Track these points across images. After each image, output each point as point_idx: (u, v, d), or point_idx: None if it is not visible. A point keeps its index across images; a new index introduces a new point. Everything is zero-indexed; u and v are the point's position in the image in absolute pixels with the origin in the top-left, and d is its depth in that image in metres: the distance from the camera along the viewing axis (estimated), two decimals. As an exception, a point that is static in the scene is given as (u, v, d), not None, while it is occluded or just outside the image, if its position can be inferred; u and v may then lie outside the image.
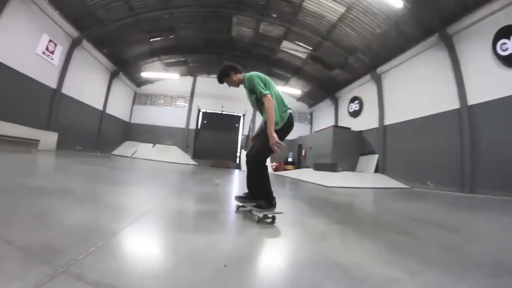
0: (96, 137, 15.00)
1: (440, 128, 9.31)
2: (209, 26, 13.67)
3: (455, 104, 8.76)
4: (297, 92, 18.11)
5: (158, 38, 14.50)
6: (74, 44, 12.13)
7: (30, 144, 8.40)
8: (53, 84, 11.40)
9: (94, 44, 13.38)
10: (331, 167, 11.39)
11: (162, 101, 19.41)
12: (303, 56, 14.76)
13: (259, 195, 2.73)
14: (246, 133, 19.29)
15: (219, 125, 19.68)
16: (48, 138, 10.69)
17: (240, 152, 18.56)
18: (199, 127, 19.67)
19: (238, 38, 14.72)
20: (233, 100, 17.83)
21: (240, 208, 3.04)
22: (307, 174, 11.38)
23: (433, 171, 9.29)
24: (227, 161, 16.92)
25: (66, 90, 11.94)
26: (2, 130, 8.03)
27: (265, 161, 2.79)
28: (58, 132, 11.30)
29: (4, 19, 8.66)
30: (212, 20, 13.19)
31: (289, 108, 2.80)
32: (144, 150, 16.51)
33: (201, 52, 16.25)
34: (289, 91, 18.26)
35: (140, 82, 19.44)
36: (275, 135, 2.50)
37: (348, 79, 14.92)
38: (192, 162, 16.37)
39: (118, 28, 12.75)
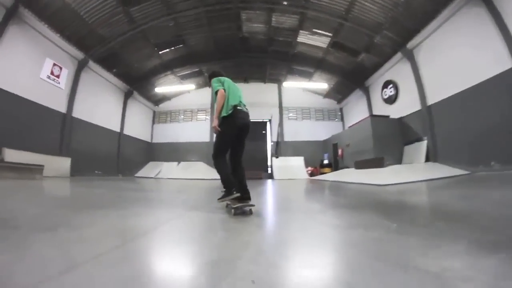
0: (115, 160, 14.37)
1: (494, 96, 7.53)
2: (217, 28, 12.66)
3: (507, 64, 7.07)
4: (323, 86, 16.31)
5: (167, 50, 13.72)
6: (81, 66, 11.85)
7: (34, 170, 7.60)
8: (62, 108, 10.98)
9: (102, 64, 12.97)
10: (377, 163, 9.54)
11: (182, 116, 18.41)
12: (324, 45, 13.20)
13: (225, 187, 2.85)
14: (274, 139, 17.62)
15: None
16: (60, 164, 10.05)
17: (271, 161, 16.34)
18: None
19: (251, 36, 13.55)
20: (256, 106, 16.09)
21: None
22: (348, 175, 9.79)
23: (495, 148, 7.43)
24: (257, 171, 15.17)
25: (77, 113, 11.57)
26: (7, 157, 7.76)
27: (221, 153, 2.92)
28: (72, 157, 10.64)
29: (3, 46, 8.48)
30: (219, 20, 12.17)
31: (238, 105, 2.92)
32: (168, 169, 15.37)
33: (215, 59, 15.11)
34: (315, 87, 16.84)
35: (157, 100, 18.76)
36: (216, 121, 2.91)
37: (377, 63, 13.08)
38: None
39: (123, 44, 12.27)
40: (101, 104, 13.29)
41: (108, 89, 13.99)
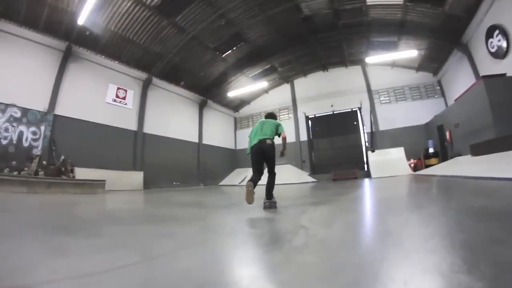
0: (195, 170, 14.53)
1: None
2: (273, 14, 11.36)
3: None
4: (413, 54, 13.01)
5: (229, 51, 13.08)
6: (146, 85, 12.42)
7: (95, 185, 7.87)
8: (132, 127, 11.73)
9: (167, 79, 13.28)
10: (504, 143, 6.81)
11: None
12: (400, 1, 10.87)
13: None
14: (368, 130, 14.78)
15: (334, 128, 15.89)
16: (132, 178, 10.71)
17: (367, 155, 13.99)
18: (311, 136, 16.37)
19: (313, 13, 11.80)
20: (342, 95, 15.11)
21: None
22: (464, 165, 7.75)
23: None
24: (351, 170, 13.50)
25: (149, 129, 12.22)
26: (78, 175, 8.52)
27: (253, 171, 4.45)
28: (146, 171, 11.29)
29: (68, 81, 9.69)
30: (273, 4, 10.81)
31: (254, 142, 4.44)
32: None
33: (282, 50, 13.69)
34: (403, 57, 13.33)
35: (236, 106, 18.36)
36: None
37: (471, 5, 9.87)
38: (310, 179, 13.53)
39: (181, 55, 12.13)
40: (174, 117, 13.75)
41: (179, 102, 14.38)
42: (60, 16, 8.99)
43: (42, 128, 8.90)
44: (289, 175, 13.39)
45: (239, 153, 18.04)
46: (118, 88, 11.57)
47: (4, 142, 8.16)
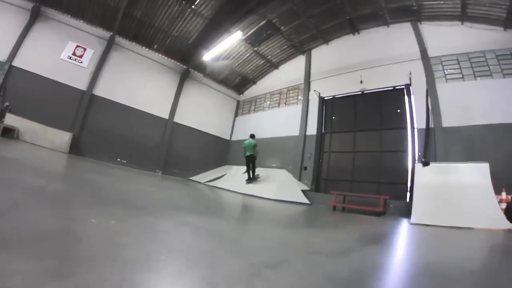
0: (156, 151, 12.40)
1: None
2: None
3: None
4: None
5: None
6: (109, 45, 11.53)
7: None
8: (82, 86, 11.00)
9: (137, 41, 11.86)
10: None
11: (268, 102, 13.85)
12: None
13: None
14: (421, 124, 8.49)
15: (361, 117, 10.17)
16: (56, 137, 10.07)
17: (413, 172, 7.50)
18: (323, 128, 10.99)
19: None
20: (378, 63, 9.80)
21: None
22: None
23: None
24: (376, 196, 7.58)
25: (101, 92, 11.28)
26: (6, 121, 9.14)
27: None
28: (82, 135, 10.65)
29: (31, 37, 10.53)
30: None
31: (248, 153, 10.13)
32: (233, 175, 11.68)
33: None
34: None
35: (237, 86, 15.00)
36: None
37: None
38: (303, 198, 8.60)
39: (141, 8, 10.50)
40: (142, 85, 12.27)
41: (152, 69, 12.66)
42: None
43: None
44: (276, 185, 9.40)
45: (235, 146, 14.27)
46: (77, 46, 11.16)
47: None
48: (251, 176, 10.12)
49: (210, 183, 10.97)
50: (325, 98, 11.12)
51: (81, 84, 10.95)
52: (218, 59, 12.51)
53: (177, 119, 13.15)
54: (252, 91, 15.04)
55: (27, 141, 9.43)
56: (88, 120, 10.93)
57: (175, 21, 11.00)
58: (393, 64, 9.44)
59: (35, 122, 9.75)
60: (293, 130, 11.58)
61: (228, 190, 9.37)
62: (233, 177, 11.19)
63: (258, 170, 10.77)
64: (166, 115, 12.90)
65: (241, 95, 15.57)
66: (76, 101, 10.86)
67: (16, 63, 10.17)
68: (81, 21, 11.14)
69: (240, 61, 12.98)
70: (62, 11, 10.86)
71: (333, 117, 10.88)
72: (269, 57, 12.75)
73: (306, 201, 8.35)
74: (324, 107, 11.10)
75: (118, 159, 11.24)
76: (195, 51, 12.21)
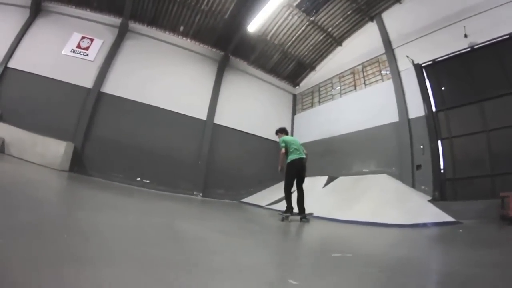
0: (193, 167, 9.48)
1: None
2: None
3: None
4: None
5: None
6: (122, 33, 9.76)
7: None
8: (87, 83, 9.08)
9: (156, 25, 9.97)
10: None
11: (338, 87, 10.76)
12: None
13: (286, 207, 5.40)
14: None
15: (481, 80, 7.04)
16: (48, 148, 7.73)
17: None
18: (433, 106, 7.74)
19: None
20: (488, 8, 6.97)
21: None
22: None
23: None
24: None
25: (112, 89, 9.28)
26: None
27: (288, 185, 5.43)
28: (86, 145, 8.44)
29: (30, 36, 9.55)
30: None
31: (296, 155, 5.46)
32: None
33: None
34: None
35: (291, 75, 12.10)
36: (279, 166, 5.68)
37: None
38: (440, 215, 5.25)
39: None
40: (168, 79, 9.99)
41: (180, 58, 10.40)
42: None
43: None
44: (380, 200, 6.15)
45: None
46: (83, 38, 9.56)
47: None
48: (293, 207, 5.36)
49: (273, 207, 7.75)
50: (423, 65, 7.97)
51: (86, 80, 9.05)
52: (265, 38, 10.05)
53: (218, 119, 10.34)
54: (311, 80, 12.12)
55: (14, 155, 7.43)
56: (95, 126, 8.68)
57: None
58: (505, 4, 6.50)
59: (24, 131, 7.77)
60: (387, 115, 8.22)
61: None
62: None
63: (342, 181, 7.65)
64: (203, 115, 10.08)
65: (296, 87, 12.68)
66: (79, 102, 8.84)
67: (12, 64, 9.11)
68: (88, 9, 9.83)
69: (294, 38, 10.28)
70: (65, 3, 9.77)
71: (442, 88, 7.65)
72: (329, 29, 9.98)
73: (448, 218, 4.98)
74: (425, 76, 7.90)
75: (138, 179, 8.51)
76: (234, 30, 9.71)
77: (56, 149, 7.75)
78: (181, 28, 9.89)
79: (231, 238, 2.74)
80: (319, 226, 4.92)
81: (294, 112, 12.34)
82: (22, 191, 3.06)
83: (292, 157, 5.41)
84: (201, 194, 9.08)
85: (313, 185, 8.14)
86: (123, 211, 3.56)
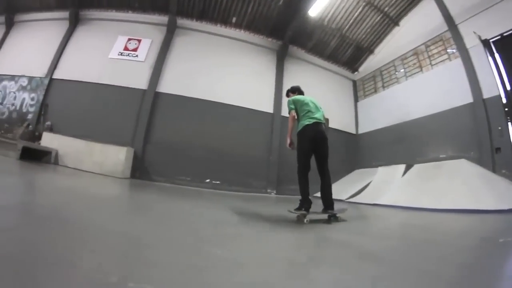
0: (263, 163, 8.89)
1: None
2: None
3: None
4: None
5: None
6: (171, 29, 9.47)
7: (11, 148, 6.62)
8: (141, 85, 8.75)
9: (206, 19, 9.64)
10: None
11: (402, 70, 10.12)
12: None
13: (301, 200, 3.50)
14: None
15: None
16: (107, 155, 7.30)
17: None
18: (509, 85, 7.24)
19: None
20: None
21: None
22: None
23: None
24: None
25: (168, 87, 8.83)
26: (43, 142, 7.46)
27: (302, 167, 3.53)
28: (146, 149, 7.99)
29: (72, 45, 9.90)
30: None
31: (311, 119, 3.62)
32: (383, 181, 7.95)
33: None
34: None
35: (349, 61, 11.67)
36: (288, 139, 3.76)
37: None
38: None
39: None
40: (223, 72, 9.52)
41: (236, 50, 10.02)
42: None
43: (39, 93, 9.33)
44: (469, 186, 5.60)
45: (365, 140, 10.67)
46: (129, 40, 9.46)
47: (11, 108, 9.58)
48: (310, 199, 3.55)
49: (353, 200, 7.16)
50: (492, 40, 7.41)
51: (140, 82, 8.69)
52: (322, 23, 9.65)
53: (285, 112, 9.65)
54: (370, 64, 11.56)
55: (69, 165, 7.12)
56: (154, 128, 8.28)
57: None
58: None
59: (78, 139, 7.46)
60: (459, 97, 7.54)
61: (394, 207, 5.71)
62: (387, 184, 7.28)
63: (421, 169, 7.00)
64: (269, 108, 9.47)
65: (356, 72, 12.07)
66: (135, 104, 8.45)
67: (57, 74, 9.30)
68: (129, 11, 9.87)
69: (351, 22, 9.83)
70: (104, 8, 9.99)
71: (515, 64, 7.00)
72: (386, 9, 9.52)
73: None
74: (496, 52, 7.34)
75: (208, 180, 7.94)
76: (290, 17, 9.28)
77: (115, 156, 7.37)
78: (233, 20, 9.43)
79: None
80: (423, 217, 4.26)
81: (356, 99, 11.69)
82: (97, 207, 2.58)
83: (304, 122, 3.67)
84: (275, 192, 8.38)
85: (391, 174, 7.74)
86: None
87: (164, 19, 9.43)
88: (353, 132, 10.89)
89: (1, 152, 6.51)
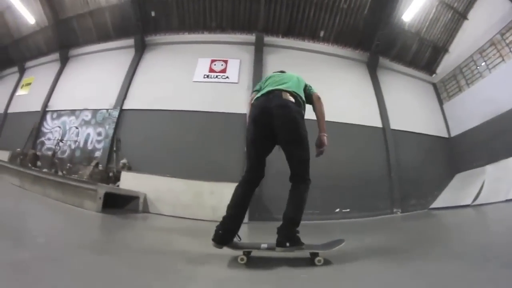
0: (383, 180, 8.38)
1: None
2: None
3: None
4: None
5: None
6: (259, 48, 9.15)
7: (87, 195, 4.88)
8: (238, 108, 8.02)
9: (293, 35, 9.45)
10: None
11: (482, 63, 10.08)
12: None
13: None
14: None
15: None
16: (220, 196, 5.73)
17: None
18: None
19: None
20: None
21: None
22: None
23: None
24: None
25: None
26: (122, 184, 6.50)
27: (246, 169, 2.39)
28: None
29: (140, 73, 9.66)
30: None
31: (259, 97, 2.45)
32: (500, 178, 7.47)
33: None
34: None
35: (427, 64, 11.62)
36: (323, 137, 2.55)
37: None
38: None
39: None
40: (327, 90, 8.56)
41: (325, 65, 9.61)
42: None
43: (107, 127, 8.69)
44: None
45: (459, 143, 10.36)
46: (213, 61, 9.06)
47: (73, 146, 9.01)
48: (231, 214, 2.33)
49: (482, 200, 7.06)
50: None
51: (236, 106, 8.11)
52: (403, 28, 9.74)
53: (393, 124, 9.51)
54: (447, 64, 11.47)
55: (164, 213, 5.97)
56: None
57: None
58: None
59: (174, 178, 6.42)
60: None
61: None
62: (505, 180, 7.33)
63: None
64: (377, 123, 9.05)
65: (433, 75, 11.91)
66: (238, 131, 7.66)
67: (128, 105, 8.91)
68: (205, 32, 9.86)
69: (427, 23, 9.88)
70: (175, 32, 9.97)
71: None
72: (455, 5, 9.82)
73: None
74: None
75: (337, 210, 7.39)
76: (375, 26, 9.25)
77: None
78: (321, 33, 9.16)
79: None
80: None
81: (441, 102, 11.55)
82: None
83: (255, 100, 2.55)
84: (400, 210, 7.92)
85: (505, 169, 7.41)
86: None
87: (248, 37, 9.28)
88: (446, 136, 10.65)
89: (70, 201, 4.89)
